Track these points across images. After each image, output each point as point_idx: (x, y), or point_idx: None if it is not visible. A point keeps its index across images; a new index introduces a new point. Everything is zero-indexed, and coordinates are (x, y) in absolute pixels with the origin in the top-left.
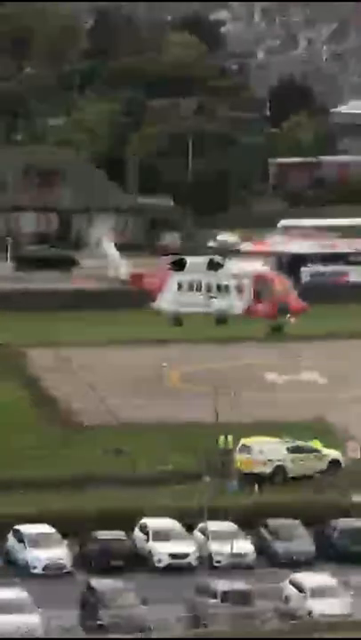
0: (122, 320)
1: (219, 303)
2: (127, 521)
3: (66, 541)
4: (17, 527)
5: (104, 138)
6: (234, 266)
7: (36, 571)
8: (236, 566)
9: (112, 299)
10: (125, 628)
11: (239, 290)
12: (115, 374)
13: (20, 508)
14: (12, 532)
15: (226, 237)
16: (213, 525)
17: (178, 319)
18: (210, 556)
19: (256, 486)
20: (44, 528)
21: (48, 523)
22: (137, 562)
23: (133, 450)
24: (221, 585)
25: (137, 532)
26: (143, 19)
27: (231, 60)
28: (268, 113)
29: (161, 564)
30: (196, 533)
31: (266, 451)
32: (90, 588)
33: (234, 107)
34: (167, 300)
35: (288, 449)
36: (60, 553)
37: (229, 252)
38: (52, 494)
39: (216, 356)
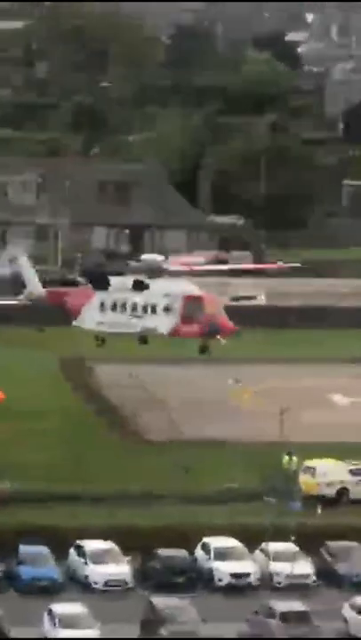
0: None
1: (144, 323)
2: (189, 539)
3: (127, 558)
4: (79, 543)
5: (179, 154)
6: (162, 285)
7: (96, 586)
8: (297, 587)
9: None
10: None
11: (167, 310)
12: (181, 390)
13: (82, 523)
14: (73, 547)
15: (151, 257)
16: (275, 546)
17: (101, 338)
18: (270, 576)
19: (319, 508)
20: (106, 544)
21: (110, 538)
22: (198, 580)
23: (199, 467)
24: (281, 605)
25: (199, 551)
26: (221, 35)
27: (307, 79)
28: (341, 133)
29: (222, 583)
30: (258, 553)
31: (330, 472)
32: (151, 605)
33: (309, 126)
34: (89, 319)
35: (351, 471)
36: (121, 569)
37: (154, 271)
38: (116, 509)
39: (281, 375)
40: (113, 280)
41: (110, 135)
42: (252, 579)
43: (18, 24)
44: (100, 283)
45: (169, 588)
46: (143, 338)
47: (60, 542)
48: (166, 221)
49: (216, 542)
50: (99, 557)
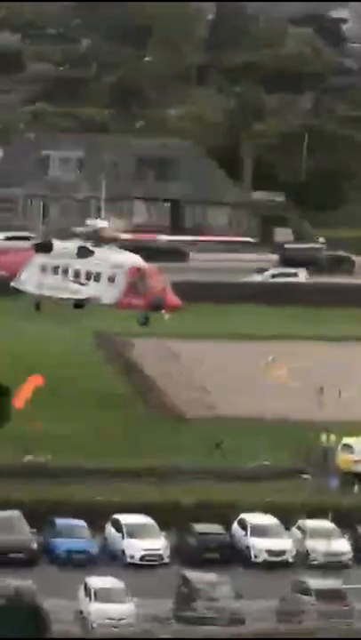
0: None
1: (87, 291)
2: (226, 515)
3: (163, 533)
4: (116, 516)
5: (220, 131)
6: (107, 254)
7: (132, 560)
8: (333, 565)
9: None
10: (219, 620)
11: (111, 280)
12: (217, 367)
13: (119, 498)
14: (110, 521)
15: (96, 223)
16: (311, 523)
17: (37, 303)
18: (306, 554)
19: (356, 486)
20: (143, 518)
21: (147, 513)
22: (234, 556)
23: (234, 444)
24: (316, 583)
25: (235, 527)
26: (264, 13)
27: (349, 57)
28: None
29: (258, 560)
30: (294, 530)
31: None
32: (185, 580)
33: (350, 105)
34: (27, 282)
35: None
36: (157, 544)
37: (99, 239)
38: (151, 485)
39: (321, 353)
40: (57, 244)
41: (151, 111)
42: (288, 556)
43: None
44: (44, 246)
45: (204, 564)
46: (79, 304)
47: (97, 517)
48: (207, 197)
49: (253, 519)
50: (135, 532)
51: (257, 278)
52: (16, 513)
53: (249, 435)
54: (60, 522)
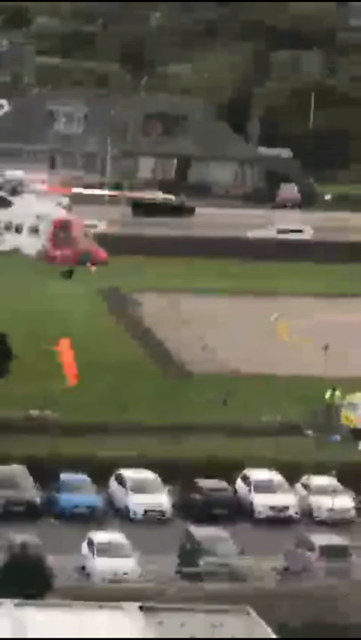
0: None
1: (9, 242)
2: (230, 470)
3: (167, 488)
4: (119, 472)
5: (227, 88)
6: (27, 205)
7: (135, 516)
8: (336, 521)
9: None
10: (222, 576)
11: (34, 231)
12: (223, 323)
13: (123, 453)
14: (114, 476)
15: (14, 174)
16: (315, 479)
17: None
18: (310, 510)
19: (360, 443)
20: (146, 474)
21: (151, 468)
22: (238, 512)
23: (239, 400)
24: (320, 539)
25: (239, 483)
26: None
27: (358, 15)
28: None
29: (261, 516)
30: (298, 487)
31: None
32: (189, 536)
33: (358, 63)
34: None
35: None
36: (160, 499)
37: (17, 189)
38: (157, 441)
39: (323, 309)
40: None
41: (159, 67)
42: (291, 512)
43: None
44: None
45: (208, 520)
46: None
47: (102, 472)
48: (213, 153)
49: (256, 475)
50: (139, 487)
51: (262, 234)
52: (20, 467)
53: (255, 391)
54: (65, 477)
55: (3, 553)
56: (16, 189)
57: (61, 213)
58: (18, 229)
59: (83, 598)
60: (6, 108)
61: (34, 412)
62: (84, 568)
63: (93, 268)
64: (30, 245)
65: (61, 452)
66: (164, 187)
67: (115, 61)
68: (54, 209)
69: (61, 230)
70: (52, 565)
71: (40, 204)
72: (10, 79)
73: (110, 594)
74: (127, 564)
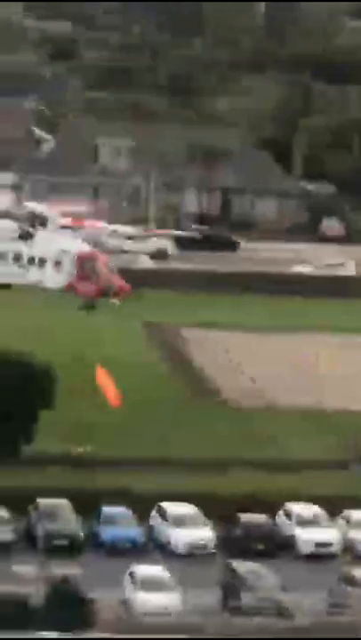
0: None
1: (33, 275)
2: (271, 505)
3: (209, 522)
4: (161, 505)
5: (271, 121)
6: (50, 238)
7: (178, 550)
8: None
9: None
10: (265, 611)
11: (57, 264)
12: (267, 357)
13: (165, 487)
14: (156, 509)
15: (34, 206)
16: (357, 514)
17: None
18: (352, 545)
19: None
20: (188, 508)
21: (192, 503)
22: (280, 547)
23: (282, 434)
24: None
25: (281, 517)
26: (318, 4)
27: None
28: None
29: (305, 551)
30: (340, 521)
31: None
32: (231, 571)
33: None
34: None
35: None
36: (203, 533)
37: (38, 221)
38: (198, 474)
39: None
40: None
41: (203, 99)
42: (334, 547)
43: None
44: None
45: (250, 554)
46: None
47: (143, 506)
48: (256, 186)
49: (298, 509)
50: (181, 521)
51: (304, 269)
52: (63, 501)
53: (297, 424)
54: (107, 510)
55: (46, 586)
56: (38, 222)
57: (84, 247)
58: (41, 263)
59: (124, 632)
60: (52, 141)
61: (77, 446)
62: (126, 602)
63: (117, 301)
64: (54, 279)
65: (103, 485)
66: (209, 220)
67: (160, 94)
68: (78, 243)
69: (86, 264)
70: (94, 599)
71: (63, 237)
72: (56, 112)
73: (152, 628)
74: (169, 598)
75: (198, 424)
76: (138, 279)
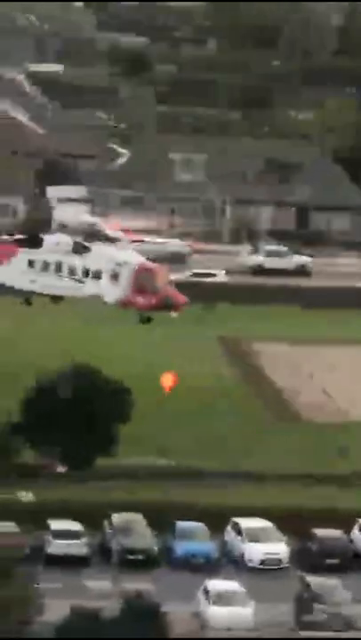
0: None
1: (88, 288)
2: (345, 520)
3: (284, 537)
4: (236, 520)
5: (347, 136)
6: (105, 251)
7: (252, 564)
8: None
9: None
10: (338, 625)
11: (114, 277)
12: (344, 371)
13: (240, 501)
14: (230, 524)
15: (88, 219)
16: None
17: (27, 299)
18: None
19: None
20: (263, 522)
21: (268, 517)
22: (354, 561)
23: (358, 448)
24: None
25: (356, 532)
26: None
27: None
28: None
29: None
30: None
31: None
32: (305, 585)
33: None
34: (12, 278)
35: None
36: (277, 548)
37: (93, 234)
38: (273, 489)
39: None
40: (47, 239)
41: (277, 114)
42: None
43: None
44: (32, 240)
45: (324, 569)
46: (28, 299)
47: (216, 520)
48: (331, 201)
49: None
50: (255, 535)
51: None
52: (138, 516)
53: None
54: (181, 525)
55: (120, 601)
56: (94, 236)
57: (141, 259)
58: (97, 276)
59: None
60: (125, 155)
61: (150, 459)
62: (199, 616)
63: (175, 314)
64: (111, 292)
65: (178, 500)
66: (283, 236)
67: (234, 108)
68: (134, 255)
69: (143, 277)
70: (168, 613)
71: (120, 250)
72: (130, 127)
73: None
74: (243, 613)
75: (273, 439)
76: (209, 293)
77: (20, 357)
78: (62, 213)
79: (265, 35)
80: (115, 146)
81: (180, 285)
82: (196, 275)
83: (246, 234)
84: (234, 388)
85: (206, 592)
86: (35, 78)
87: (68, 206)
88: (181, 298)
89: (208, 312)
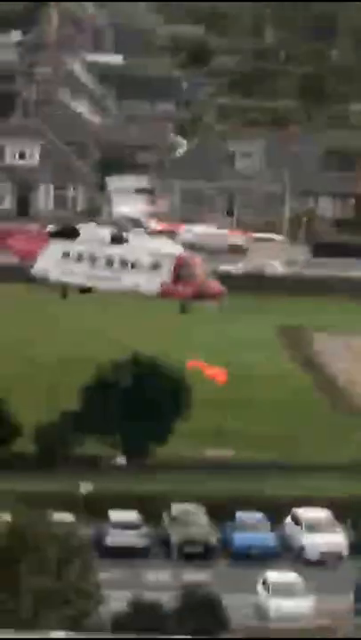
0: None
1: (128, 279)
2: None
3: (342, 528)
4: (295, 511)
5: None
6: (143, 242)
7: (311, 556)
8: None
9: None
10: None
11: (154, 267)
12: None
13: (299, 492)
14: (290, 515)
15: (127, 211)
16: None
17: (64, 291)
18: None
19: None
20: (322, 513)
21: (330, 508)
22: None
23: None
24: None
25: None
26: None
27: None
28: None
29: None
30: None
31: None
32: None
33: None
34: (49, 269)
35: None
36: (337, 539)
37: (131, 226)
38: (333, 480)
39: None
40: (84, 230)
41: (337, 104)
42: None
43: None
44: (69, 231)
45: None
46: (86, 289)
47: (276, 511)
48: None
49: None
50: (314, 526)
51: None
52: (198, 507)
53: None
54: (240, 515)
55: (180, 592)
56: (132, 227)
57: (180, 249)
58: (135, 267)
59: (258, 638)
60: (185, 146)
61: (209, 451)
62: (258, 607)
63: (212, 303)
64: (150, 283)
65: (237, 490)
66: (344, 225)
67: (294, 99)
68: (173, 246)
69: (182, 267)
70: (227, 605)
71: (159, 241)
72: (190, 118)
73: (285, 634)
74: (302, 604)
75: (330, 427)
76: (266, 283)
77: (75, 349)
78: (120, 204)
79: (323, 25)
80: (174, 136)
81: (238, 276)
82: (253, 266)
83: (306, 224)
84: (294, 379)
85: (265, 583)
86: (94, 69)
87: (127, 197)
88: (219, 288)
89: (265, 302)
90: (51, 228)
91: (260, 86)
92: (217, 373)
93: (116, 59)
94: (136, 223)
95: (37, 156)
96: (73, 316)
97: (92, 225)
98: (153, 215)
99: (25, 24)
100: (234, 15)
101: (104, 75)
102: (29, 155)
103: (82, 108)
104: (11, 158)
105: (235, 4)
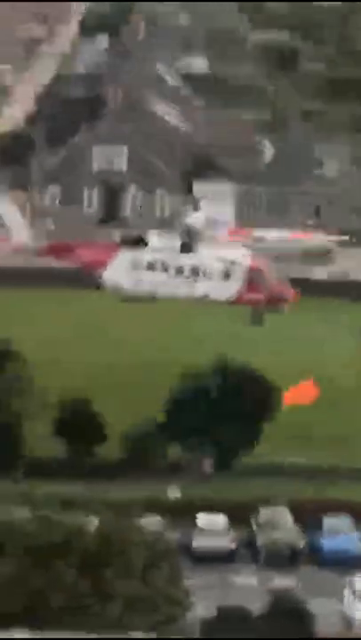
0: None
1: (201, 287)
2: None
3: None
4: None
5: None
6: (214, 250)
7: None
8: None
9: None
10: None
11: (226, 275)
12: None
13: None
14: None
15: (201, 218)
16: None
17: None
18: None
19: None
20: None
21: None
22: None
23: None
24: None
25: None
26: None
27: None
28: None
29: None
30: None
31: None
32: None
33: None
34: (118, 278)
35: None
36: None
37: (198, 234)
38: None
39: None
40: (153, 239)
41: None
42: None
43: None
44: (138, 240)
45: None
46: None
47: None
48: None
49: None
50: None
51: None
52: (285, 510)
53: None
54: (327, 520)
55: (267, 597)
56: (200, 234)
57: (251, 256)
58: (205, 275)
59: None
60: (272, 151)
61: (294, 456)
62: (345, 612)
63: (286, 308)
64: (223, 291)
65: (324, 495)
66: None
67: None
68: (244, 252)
69: (255, 274)
70: (314, 610)
71: (230, 248)
72: (276, 123)
73: None
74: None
75: None
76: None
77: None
78: (204, 209)
79: None
80: (262, 142)
81: (323, 281)
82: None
83: None
84: None
85: (352, 588)
86: (181, 73)
87: (211, 202)
88: (292, 293)
89: (354, 307)
90: (120, 236)
91: (346, 92)
92: (307, 389)
93: (202, 63)
94: (208, 230)
95: (125, 161)
96: (154, 320)
97: (162, 233)
98: (231, 220)
99: (112, 29)
100: (323, 20)
101: (191, 79)
102: (117, 160)
103: (169, 112)
104: (99, 163)
105: (325, 11)
